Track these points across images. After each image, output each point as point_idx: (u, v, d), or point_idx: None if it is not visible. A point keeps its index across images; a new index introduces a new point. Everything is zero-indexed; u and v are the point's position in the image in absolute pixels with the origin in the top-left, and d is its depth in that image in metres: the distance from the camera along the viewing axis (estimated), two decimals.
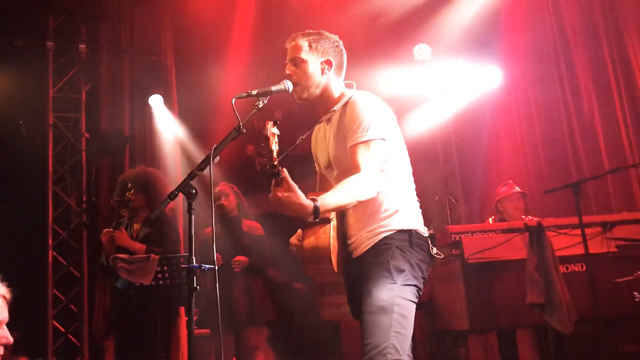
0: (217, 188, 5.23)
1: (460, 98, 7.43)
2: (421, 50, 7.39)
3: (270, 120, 2.24)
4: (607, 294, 4.14)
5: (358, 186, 2.44)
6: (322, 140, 2.78)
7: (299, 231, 2.67)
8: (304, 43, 2.69)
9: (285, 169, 2.27)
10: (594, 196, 5.76)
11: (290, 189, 2.28)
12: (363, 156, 2.48)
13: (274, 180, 2.27)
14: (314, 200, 2.33)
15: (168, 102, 6.78)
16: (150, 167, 5.00)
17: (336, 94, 2.72)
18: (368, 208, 2.57)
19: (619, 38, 5.50)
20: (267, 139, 2.19)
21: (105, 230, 4.45)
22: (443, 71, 7.32)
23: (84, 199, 6.44)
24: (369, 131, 2.50)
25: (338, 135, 2.63)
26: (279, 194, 2.27)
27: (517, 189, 5.35)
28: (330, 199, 2.40)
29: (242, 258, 5.01)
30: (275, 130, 2.22)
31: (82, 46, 6.67)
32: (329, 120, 2.73)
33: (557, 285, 4.03)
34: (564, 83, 6.16)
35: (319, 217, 2.34)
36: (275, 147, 2.20)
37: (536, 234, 4.21)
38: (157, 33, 7.03)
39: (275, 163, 2.20)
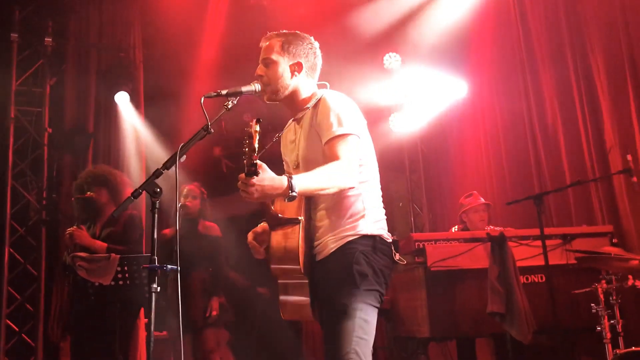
0: (187, 187, 5.18)
1: (428, 108, 7.51)
2: (391, 59, 7.46)
3: (254, 118, 2.21)
4: (565, 305, 4.22)
5: (338, 171, 2.42)
6: (292, 141, 2.77)
7: (257, 228, 2.66)
8: (276, 43, 2.68)
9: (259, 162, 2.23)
10: (554, 209, 5.87)
11: (262, 171, 2.25)
12: (342, 148, 2.46)
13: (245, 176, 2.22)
14: (289, 176, 2.31)
15: (135, 100, 6.68)
16: (98, 165, 4.93)
17: (306, 96, 2.70)
18: (334, 211, 2.57)
19: (583, 54, 5.62)
20: (251, 137, 2.16)
21: (69, 229, 4.36)
22: (412, 81, 7.39)
23: (44, 195, 6.30)
24: (345, 126, 2.50)
25: (310, 135, 2.62)
26: (252, 181, 2.22)
27: (482, 199, 5.42)
28: (305, 175, 2.38)
29: (215, 304, 4.95)
30: (258, 128, 2.20)
31: (48, 39, 6.52)
32: (299, 120, 2.72)
33: (517, 295, 4.09)
34: (529, 96, 6.27)
35: (295, 193, 2.30)
36: (257, 145, 2.17)
37: (498, 244, 4.27)
38: (125, 29, 6.92)
39: (255, 161, 2.17)
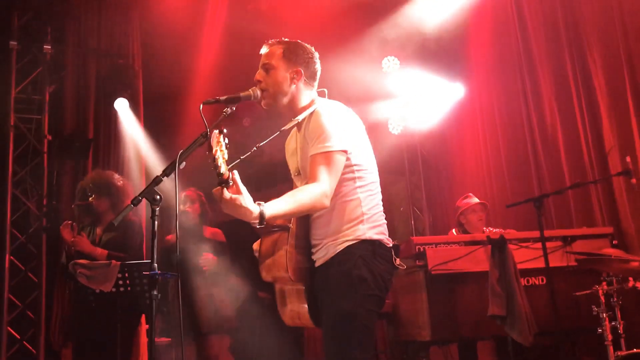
0: (184, 193, 5.19)
1: (427, 111, 7.52)
2: (389, 62, 7.47)
3: (215, 129, 2.22)
4: (566, 306, 4.21)
5: (310, 196, 2.43)
6: (294, 149, 2.79)
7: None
8: (277, 50, 2.70)
9: (236, 172, 2.26)
10: (554, 211, 5.87)
11: (237, 192, 2.26)
12: (320, 167, 2.48)
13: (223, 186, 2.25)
14: (260, 205, 2.31)
15: (134, 107, 6.69)
16: (105, 170, 4.93)
17: (304, 104, 2.72)
18: (334, 218, 2.58)
19: (581, 55, 5.63)
20: (210, 149, 2.18)
21: (65, 222, 4.34)
22: (410, 84, 7.39)
23: (45, 202, 6.30)
24: (329, 142, 2.51)
25: (304, 145, 2.64)
26: (226, 196, 2.23)
27: (477, 199, 5.43)
28: (278, 206, 2.38)
29: (210, 255, 4.98)
30: (221, 139, 2.20)
31: (47, 46, 6.53)
32: (299, 128, 2.74)
33: (518, 297, 4.08)
34: (528, 98, 6.28)
35: (264, 223, 2.31)
36: (220, 155, 2.18)
37: (498, 247, 4.27)
38: (124, 36, 6.94)
39: (221, 171, 2.18)
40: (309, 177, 2.49)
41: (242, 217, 2.30)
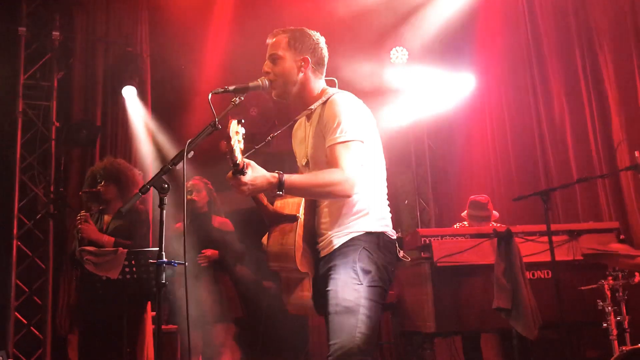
0: (190, 182, 5.20)
1: (435, 102, 7.49)
2: (398, 53, 7.44)
3: (234, 119, 2.23)
4: (571, 300, 4.21)
5: (330, 177, 2.46)
6: (302, 138, 2.78)
7: None
8: (283, 39, 2.69)
9: (246, 161, 2.32)
10: (561, 205, 5.86)
11: (252, 169, 2.34)
12: (343, 156, 2.48)
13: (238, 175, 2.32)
14: (279, 173, 2.38)
15: (142, 94, 6.70)
16: (117, 158, 4.94)
17: (315, 92, 2.71)
18: (339, 209, 2.59)
19: (591, 49, 5.59)
20: (228, 138, 2.20)
21: (82, 212, 4.37)
22: (418, 75, 7.37)
23: (52, 189, 6.33)
24: (349, 132, 2.51)
25: (317, 135, 2.63)
26: (244, 178, 2.31)
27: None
28: (296, 176, 2.45)
29: (209, 252, 5.00)
30: (239, 128, 2.23)
31: (55, 33, 6.55)
32: (309, 117, 2.73)
33: (523, 291, 4.08)
34: (537, 91, 6.25)
35: (283, 190, 2.38)
36: (237, 145, 2.21)
37: (504, 240, 4.26)
38: (133, 23, 6.94)
39: (237, 161, 2.22)
40: (331, 166, 2.49)
41: (263, 188, 2.39)
